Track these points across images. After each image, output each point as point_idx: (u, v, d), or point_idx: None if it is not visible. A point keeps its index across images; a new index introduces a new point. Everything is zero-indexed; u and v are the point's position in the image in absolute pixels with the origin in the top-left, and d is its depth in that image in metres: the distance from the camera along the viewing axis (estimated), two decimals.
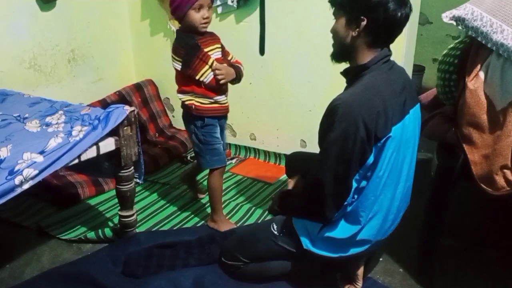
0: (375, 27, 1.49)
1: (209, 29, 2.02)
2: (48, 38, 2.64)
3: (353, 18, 1.51)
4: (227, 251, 1.85)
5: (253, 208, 2.39)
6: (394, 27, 1.52)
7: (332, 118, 1.49)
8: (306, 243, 1.66)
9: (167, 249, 1.99)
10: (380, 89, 1.51)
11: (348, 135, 1.46)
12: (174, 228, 2.24)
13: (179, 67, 1.98)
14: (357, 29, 1.51)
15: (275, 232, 1.73)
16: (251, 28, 2.72)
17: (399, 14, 1.47)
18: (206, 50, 1.97)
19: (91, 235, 2.13)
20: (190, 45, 1.95)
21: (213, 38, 2.05)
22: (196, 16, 1.92)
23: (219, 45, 2.06)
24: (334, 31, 1.59)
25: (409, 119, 1.59)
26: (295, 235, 1.68)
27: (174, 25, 2.91)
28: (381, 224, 1.65)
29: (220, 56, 2.05)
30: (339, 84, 1.72)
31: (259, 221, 2.28)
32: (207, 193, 2.27)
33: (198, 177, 2.55)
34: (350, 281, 1.81)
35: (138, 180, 2.07)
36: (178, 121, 3.28)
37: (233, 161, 2.94)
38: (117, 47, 3.12)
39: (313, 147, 1.82)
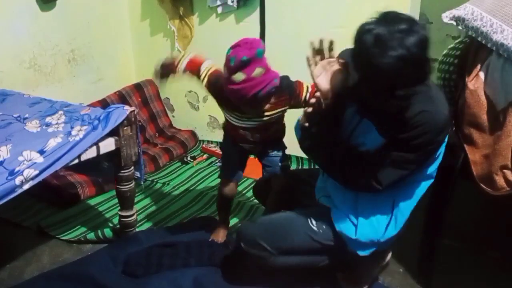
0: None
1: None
2: (48, 38, 2.64)
3: None
4: (250, 237, 1.70)
5: (254, 207, 2.38)
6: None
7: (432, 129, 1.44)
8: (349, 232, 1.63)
9: (167, 248, 1.99)
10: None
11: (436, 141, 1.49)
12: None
13: None
14: None
15: (314, 228, 1.67)
16: (251, 28, 2.71)
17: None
18: None
19: (90, 236, 2.13)
20: None
21: None
22: None
23: None
24: None
25: None
26: (334, 231, 1.64)
27: (174, 25, 2.91)
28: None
29: None
30: None
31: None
32: None
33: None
34: (352, 281, 1.81)
35: (138, 180, 2.07)
36: (178, 121, 3.28)
37: None
38: (117, 47, 3.12)
39: None
